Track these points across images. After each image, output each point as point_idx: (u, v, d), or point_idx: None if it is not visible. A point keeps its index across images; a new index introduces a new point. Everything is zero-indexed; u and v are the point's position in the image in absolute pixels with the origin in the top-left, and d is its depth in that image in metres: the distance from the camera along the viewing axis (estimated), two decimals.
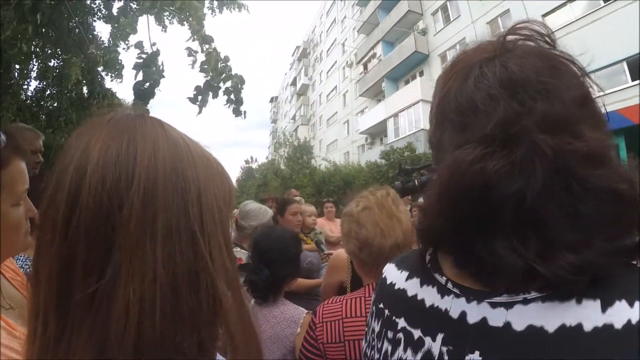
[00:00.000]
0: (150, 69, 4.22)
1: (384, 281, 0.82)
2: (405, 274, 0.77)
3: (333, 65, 39.73)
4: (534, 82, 0.55)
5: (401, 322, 0.71)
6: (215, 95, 4.79)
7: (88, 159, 0.44)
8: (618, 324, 0.47)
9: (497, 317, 0.56)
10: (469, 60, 0.62)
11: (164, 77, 4.43)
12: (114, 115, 0.51)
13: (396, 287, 0.77)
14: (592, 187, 0.51)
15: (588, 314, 0.50)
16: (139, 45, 4.37)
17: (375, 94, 28.58)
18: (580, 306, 0.50)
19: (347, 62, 34.64)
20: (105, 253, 0.43)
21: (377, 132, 28.00)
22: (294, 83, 53.89)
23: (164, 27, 5.66)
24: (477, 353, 0.57)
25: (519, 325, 0.54)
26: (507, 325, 0.55)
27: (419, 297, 0.70)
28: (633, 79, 11.97)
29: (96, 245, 0.43)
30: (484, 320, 0.57)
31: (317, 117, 44.16)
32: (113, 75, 6.09)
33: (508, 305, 0.55)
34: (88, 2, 5.76)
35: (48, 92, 6.98)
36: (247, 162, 50.42)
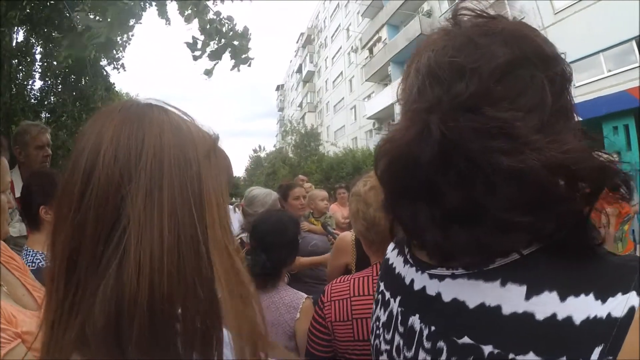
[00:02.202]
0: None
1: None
2: (394, 245, 0.87)
3: (338, 50, 39.31)
4: (451, 64, 0.56)
5: (382, 286, 0.82)
6: (219, 57, 4.64)
7: (102, 141, 0.50)
8: (539, 315, 0.48)
9: (432, 287, 0.63)
10: (415, 56, 0.65)
11: (139, 17, 4.24)
12: (124, 105, 0.57)
13: (386, 257, 0.87)
14: (482, 164, 0.50)
15: (509, 298, 0.51)
16: None
17: (382, 78, 28.26)
18: (503, 288, 0.52)
19: (352, 47, 34.26)
20: (114, 222, 0.48)
21: (384, 117, 27.77)
22: (299, 70, 53.55)
23: (168, 20, 5.55)
24: (417, 315, 0.65)
25: (446, 297, 0.60)
26: (439, 295, 0.61)
27: (393, 266, 0.80)
28: None
29: (105, 215, 0.48)
30: (424, 288, 0.65)
31: (324, 104, 43.94)
32: (113, 63, 6.05)
33: (440, 278, 0.62)
34: None
35: (52, 89, 7.03)
36: (255, 151, 50.68)
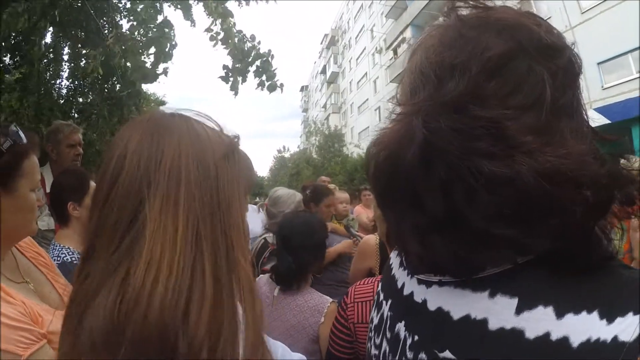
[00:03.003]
0: (162, 41, 4.12)
1: None
2: None
3: (362, 51, 39.27)
4: (441, 63, 0.52)
5: (379, 287, 0.79)
6: (244, 79, 4.72)
7: (127, 150, 0.56)
8: (530, 333, 0.42)
9: (419, 294, 0.59)
10: (411, 56, 0.62)
11: (175, 46, 4.37)
12: (151, 116, 0.63)
13: (390, 256, 0.83)
14: (460, 168, 0.45)
15: (497, 311, 0.46)
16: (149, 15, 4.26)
17: None
18: (492, 300, 0.47)
19: (376, 48, 34.10)
20: (130, 221, 0.52)
21: None
22: (323, 71, 53.66)
23: (193, 22, 5.64)
24: (403, 322, 0.61)
25: (432, 305, 0.55)
26: (424, 302, 0.57)
27: (392, 267, 0.76)
28: None
29: (124, 213, 0.52)
30: (411, 294, 0.61)
31: (348, 105, 43.88)
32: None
33: (428, 284, 0.58)
34: (114, 1, 5.83)
35: (80, 90, 7.21)
36: (279, 151, 50.97)
